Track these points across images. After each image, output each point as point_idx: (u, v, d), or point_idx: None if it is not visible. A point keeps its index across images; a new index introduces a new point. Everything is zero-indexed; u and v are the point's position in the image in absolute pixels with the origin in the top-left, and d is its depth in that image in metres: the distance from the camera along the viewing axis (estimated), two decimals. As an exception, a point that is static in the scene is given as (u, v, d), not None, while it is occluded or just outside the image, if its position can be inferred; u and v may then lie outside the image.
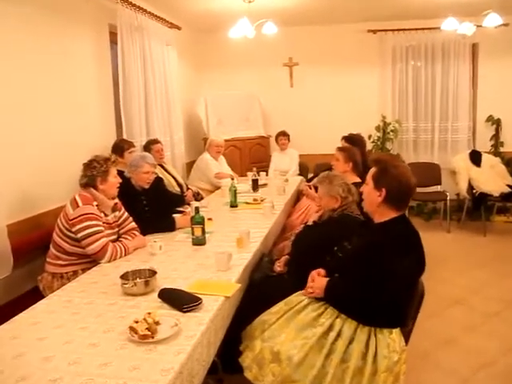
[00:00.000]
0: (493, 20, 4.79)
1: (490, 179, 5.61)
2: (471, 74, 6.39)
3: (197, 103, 6.17)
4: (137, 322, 1.75)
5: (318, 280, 2.23)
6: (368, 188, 2.12)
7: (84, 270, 2.62)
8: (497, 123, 6.32)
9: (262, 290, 2.55)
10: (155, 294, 2.10)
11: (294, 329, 2.07)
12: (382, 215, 2.09)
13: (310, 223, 3.34)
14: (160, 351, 1.64)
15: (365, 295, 1.97)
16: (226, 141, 5.53)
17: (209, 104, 6.14)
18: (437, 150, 6.40)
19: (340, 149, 3.97)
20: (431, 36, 6.21)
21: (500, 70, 6.27)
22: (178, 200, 4.32)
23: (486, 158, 5.88)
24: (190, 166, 5.71)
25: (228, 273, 2.42)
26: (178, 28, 5.38)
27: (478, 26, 5.10)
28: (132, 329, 1.73)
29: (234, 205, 4.05)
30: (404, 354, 1.97)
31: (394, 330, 1.98)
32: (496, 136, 6.36)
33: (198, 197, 4.74)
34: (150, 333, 1.70)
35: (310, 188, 4.57)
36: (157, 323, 1.77)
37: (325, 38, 6.42)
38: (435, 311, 3.59)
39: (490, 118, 6.35)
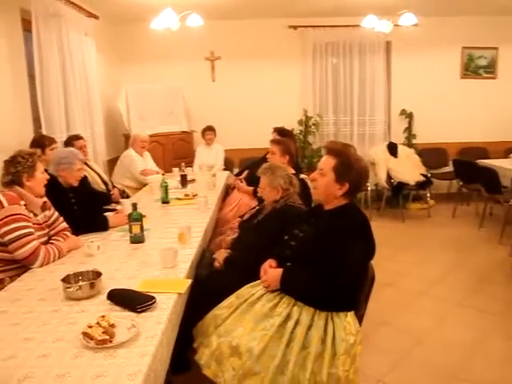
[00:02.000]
0: (408, 19, 5.09)
1: (407, 169, 5.97)
2: (386, 70, 6.74)
3: (117, 97, 5.91)
4: (91, 327, 1.62)
5: (271, 272, 2.21)
6: (327, 179, 2.09)
7: (12, 278, 2.39)
8: (409, 117, 6.75)
9: (209, 285, 2.48)
10: (102, 297, 1.97)
11: (251, 321, 2.05)
12: (334, 203, 2.13)
13: (245, 217, 3.34)
14: (122, 355, 1.53)
15: (321, 283, 1.99)
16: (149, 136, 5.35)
17: (130, 98, 5.90)
18: (356, 143, 6.67)
19: (275, 142, 3.94)
20: (349, 33, 6.45)
21: (411, 67, 6.72)
22: (105, 198, 4.14)
23: (402, 149, 6.24)
24: (110, 163, 5.46)
25: (175, 269, 2.33)
26: (96, 17, 5.11)
27: (394, 25, 5.39)
28: (86, 334, 1.60)
29: (165, 201, 3.94)
30: (359, 335, 2.02)
31: (349, 314, 2.02)
32: (409, 129, 6.79)
33: (123, 195, 4.56)
34: (108, 337, 1.59)
35: (241, 181, 4.58)
36: (112, 326, 1.66)
37: (247, 32, 6.44)
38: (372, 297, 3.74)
39: (403, 112, 6.77)
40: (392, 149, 6.11)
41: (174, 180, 4.66)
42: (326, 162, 2.11)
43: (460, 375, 2.73)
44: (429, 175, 6.19)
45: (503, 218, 5.07)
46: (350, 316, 2.03)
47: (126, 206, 3.42)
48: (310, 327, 1.97)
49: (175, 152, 6.12)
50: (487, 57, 6.92)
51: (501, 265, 4.27)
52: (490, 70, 6.95)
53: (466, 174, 5.77)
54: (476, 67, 6.94)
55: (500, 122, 6.91)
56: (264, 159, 4.01)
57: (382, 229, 5.62)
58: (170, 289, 2.06)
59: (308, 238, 2.15)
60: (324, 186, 2.11)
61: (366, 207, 6.10)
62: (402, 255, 4.75)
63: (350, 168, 2.06)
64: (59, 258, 2.53)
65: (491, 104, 6.89)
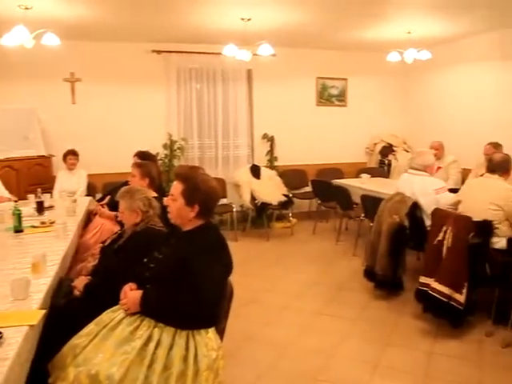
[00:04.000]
0: (266, 50, 5.44)
1: (269, 190, 6.29)
2: (248, 96, 7.07)
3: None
4: None
5: (130, 295, 2.18)
6: (178, 204, 2.15)
7: None
8: (271, 140, 7.15)
9: (68, 314, 2.36)
10: None
11: (112, 346, 1.99)
12: (191, 224, 2.18)
13: (107, 243, 3.24)
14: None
15: (181, 301, 2.02)
16: (0, 161, 4.95)
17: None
18: (221, 166, 6.87)
19: (136, 165, 3.93)
20: (212, 60, 6.66)
21: (271, 93, 7.15)
22: None
23: (265, 171, 6.57)
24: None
25: (27, 301, 2.17)
26: None
27: (253, 54, 5.70)
28: None
29: (18, 229, 3.65)
30: (221, 350, 2.08)
31: (210, 330, 2.07)
32: (271, 152, 7.18)
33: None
34: None
35: (103, 207, 4.44)
36: None
37: (110, 55, 6.32)
38: (234, 312, 3.83)
39: (265, 136, 7.15)
40: (255, 171, 6.41)
41: (29, 207, 4.34)
42: (176, 188, 2.17)
43: (320, 377, 2.94)
44: (290, 195, 6.58)
45: (356, 232, 5.58)
46: (211, 332, 2.08)
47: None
48: (171, 347, 1.98)
49: (31, 177, 5.70)
50: (338, 86, 7.65)
51: (355, 274, 4.65)
52: (341, 98, 7.69)
53: (322, 193, 6.27)
54: (329, 96, 7.62)
55: (351, 145, 7.66)
56: (126, 184, 3.95)
57: (247, 248, 5.87)
58: (21, 321, 1.92)
59: (167, 259, 2.18)
60: (176, 210, 2.16)
61: (232, 228, 6.28)
62: (267, 272, 4.97)
63: (197, 190, 2.13)
64: None
65: (343, 129, 7.61)
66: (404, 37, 5.90)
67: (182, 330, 2.02)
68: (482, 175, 3.98)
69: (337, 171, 7.28)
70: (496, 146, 5.29)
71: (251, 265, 5.20)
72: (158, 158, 6.30)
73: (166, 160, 6.54)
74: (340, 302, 4.15)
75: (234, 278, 4.52)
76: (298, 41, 6.63)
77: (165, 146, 6.57)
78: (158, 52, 6.49)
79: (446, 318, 3.44)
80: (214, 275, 2.06)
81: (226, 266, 2.16)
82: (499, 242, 3.39)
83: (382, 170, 7.43)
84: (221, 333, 2.18)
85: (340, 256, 5.48)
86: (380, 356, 3.19)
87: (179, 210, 2.15)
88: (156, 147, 6.33)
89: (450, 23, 5.60)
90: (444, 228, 3.45)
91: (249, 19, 5.23)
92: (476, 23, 5.61)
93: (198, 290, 2.00)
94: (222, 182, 6.57)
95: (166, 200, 2.28)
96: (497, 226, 3.40)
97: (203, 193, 2.13)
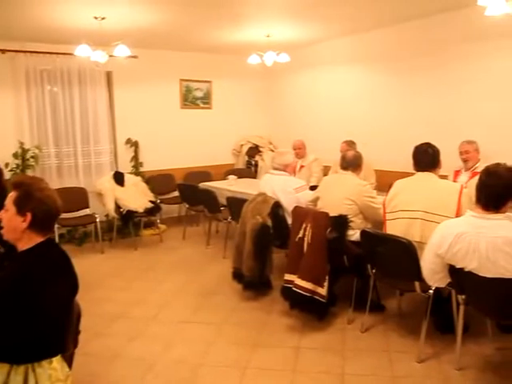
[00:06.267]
0: (122, 51, 5.17)
1: (135, 197, 6.01)
2: (108, 99, 6.71)
3: None
4: None
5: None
6: (9, 214, 1.90)
7: None
8: (135, 145, 6.87)
9: None
10: None
11: None
12: (27, 242, 1.92)
13: None
14: None
15: (17, 333, 1.76)
16: None
17: None
18: (82, 174, 6.42)
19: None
20: (67, 61, 6.19)
21: (134, 96, 6.89)
22: None
23: (129, 178, 6.27)
24: None
25: None
26: None
27: (110, 56, 5.40)
28: None
29: None
30: (69, 379, 1.87)
31: (55, 359, 1.84)
32: (135, 157, 6.90)
33: None
34: None
35: None
36: None
37: None
38: (100, 330, 3.59)
39: (128, 141, 6.85)
40: (118, 178, 6.08)
41: None
42: (9, 197, 1.91)
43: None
44: (158, 201, 6.39)
45: (225, 234, 5.57)
46: (56, 361, 1.85)
47: None
48: (6, 386, 1.72)
49: None
50: (203, 89, 7.61)
51: (224, 277, 4.59)
52: (206, 100, 7.66)
53: (189, 197, 6.17)
54: (194, 98, 7.55)
55: (218, 147, 7.69)
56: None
57: (115, 260, 5.56)
58: None
59: (-1, 283, 1.90)
60: (8, 221, 1.90)
61: (97, 240, 5.90)
62: (135, 284, 4.72)
63: (30, 197, 1.89)
64: None
65: (210, 131, 7.60)
66: (264, 40, 6.05)
67: (18, 366, 1.76)
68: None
69: (205, 174, 7.24)
70: (350, 143, 5.65)
71: (118, 278, 4.91)
72: (8, 168, 5.70)
73: (18, 170, 5.92)
74: (208, 307, 4.07)
75: (100, 294, 4.30)
76: (158, 42, 6.47)
77: (15, 155, 5.94)
78: (3, 51, 5.84)
79: (312, 313, 3.55)
80: (57, 299, 1.84)
81: (71, 288, 1.95)
82: (354, 235, 3.58)
83: (250, 170, 7.57)
84: (69, 360, 1.96)
85: (210, 260, 5.42)
86: (249, 358, 3.18)
87: (10, 220, 1.88)
88: (6, 157, 5.71)
89: (306, 28, 5.87)
90: (304, 225, 3.56)
91: (103, 18, 4.94)
92: (330, 29, 5.97)
93: (38, 318, 1.76)
94: (83, 191, 6.18)
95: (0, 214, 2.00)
96: (352, 219, 3.60)
97: (37, 200, 1.89)
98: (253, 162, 7.68)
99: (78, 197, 6.06)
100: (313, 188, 4.68)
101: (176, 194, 6.70)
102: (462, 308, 2.84)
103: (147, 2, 4.50)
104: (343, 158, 3.87)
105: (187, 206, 6.36)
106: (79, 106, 6.43)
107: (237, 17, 5.20)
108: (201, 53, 7.28)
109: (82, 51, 5.11)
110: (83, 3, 4.46)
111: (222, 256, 5.42)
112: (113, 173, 6.18)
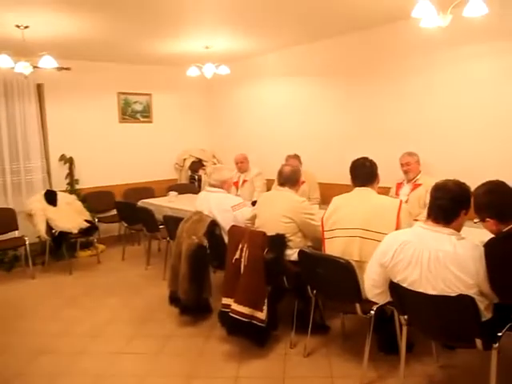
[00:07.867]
0: (48, 62, 4.82)
1: (68, 217, 5.62)
2: (39, 113, 6.32)
3: None
4: None
5: None
6: None
7: None
8: (70, 161, 6.50)
9: None
10: None
11: None
12: None
13: None
14: None
15: None
16: None
17: None
18: (11, 194, 6.01)
19: None
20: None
21: (66, 110, 6.54)
22: None
23: (62, 197, 5.88)
24: None
25: None
26: None
27: (35, 67, 5.04)
28: None
29: None
30: None
31: None
32: (70, 174, 6.52)
33: None
34: None
35: None
36: None
37: None
38: (19, 370, 3.25)
39: (62, 157, 6.48)
40: (50, 197, 5.68)
41: None
42: None
43: None
44: (96, 220, 6.04)
45: (165, 253, 5.28)
46: None
47: None
48: None
49: None
50: (142, 102, 7.35)
51: (162, 301, 4.24)
52: (146, 114, 7.41)
53: (127, 215, 5.84)
54: (133, 112, 7.27)
55: (160, 162, 7.43)
56: None
57: (46, 286, 5.16)
58: None
59: None
60: None
61: (27, 264, 5.47)
62: (64, 313, 4.35)
63: None
64: None
65: (150, 146, 7.34)
66: (203, 52, 5.89)
67: None
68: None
69: (147, 190, 6.96)
70: (294, 157, 5.53)
71: (47, 306, 4.52)
72: None
73: None
74: (143, 336, 3.78)
75: (27, 325, 3.93)
76: (93, 54, 6.17)
77: None
78: None
79: (250, 339, 3.35)
80: None
81: None
82: (293, 254, 3.42)
83: (193, 185, 7.34)
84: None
85: (148, 282, 5.12)
86: (183, 393, 2.95)
87: None
88: None
89: (245, 41, 5.78)
90: (240, 245, 3.37)
91: (26, 27, 4.64)
92: (269, 42, 5.90)
93: None
94: (11, 212, 5.76)
95: None
96: (290, 238, 3.44)
97: None
98: (196, 177, 7.45)
99: (5, 218, 5.65)
100: (255, 203, 4.51)
101: (115, 211, 6.35)
102: (404, 329, 2.74)
103: (72, 10, 4.24)
104: (280, 174, 3.71)
105: (125, 224, 6.03)
106: (6, 120, 6.03)
107: (175, 27, 5.03)
108: (139, 65, 7.04)
109: (3, 62, 4.74)
110: (3, 10, 4.17)
111: (162, 277, 5.11)
112: (44, 192, 5.77)
